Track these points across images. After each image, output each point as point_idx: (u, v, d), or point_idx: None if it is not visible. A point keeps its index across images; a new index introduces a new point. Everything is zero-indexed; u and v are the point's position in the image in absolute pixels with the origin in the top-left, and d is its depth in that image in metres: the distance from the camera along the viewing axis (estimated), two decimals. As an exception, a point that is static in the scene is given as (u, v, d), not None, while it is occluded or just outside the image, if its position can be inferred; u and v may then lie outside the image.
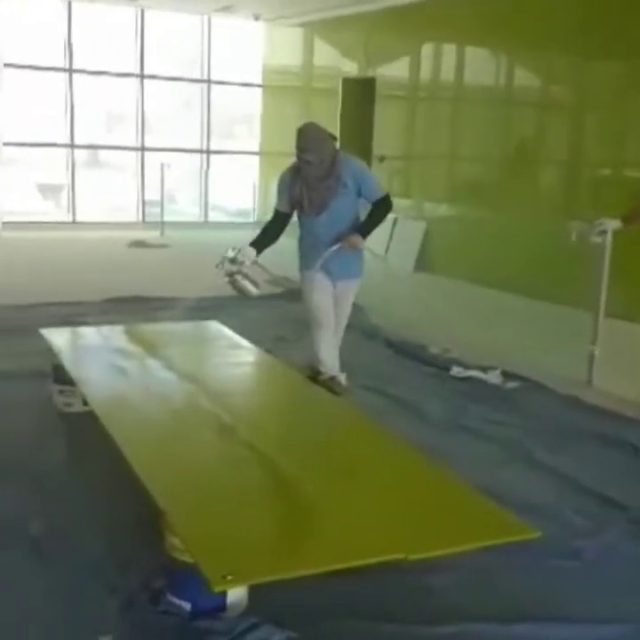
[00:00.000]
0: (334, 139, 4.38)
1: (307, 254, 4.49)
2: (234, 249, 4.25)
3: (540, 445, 3.92)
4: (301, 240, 4.55)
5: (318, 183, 4.27)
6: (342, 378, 4.58)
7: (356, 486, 2.67)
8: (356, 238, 4.34)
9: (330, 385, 4.38)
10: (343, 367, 4.62)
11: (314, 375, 4.45)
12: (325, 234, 4.38)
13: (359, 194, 4.36)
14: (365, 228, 4.41)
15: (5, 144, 11.15)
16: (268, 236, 4.44)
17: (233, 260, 4.20)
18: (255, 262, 4.31)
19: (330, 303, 4.46)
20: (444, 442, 3.90)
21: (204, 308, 6.31)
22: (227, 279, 4.23)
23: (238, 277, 4.21)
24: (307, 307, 4.50)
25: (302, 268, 4.53)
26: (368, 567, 2.23)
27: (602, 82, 7.42)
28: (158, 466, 2.71)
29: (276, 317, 6.29)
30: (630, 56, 7.01)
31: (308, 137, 4.22)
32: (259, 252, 4.33)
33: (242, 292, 4.27)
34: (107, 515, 3.06)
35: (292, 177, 4.37)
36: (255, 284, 4.29)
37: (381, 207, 4.42)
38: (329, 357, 4.50)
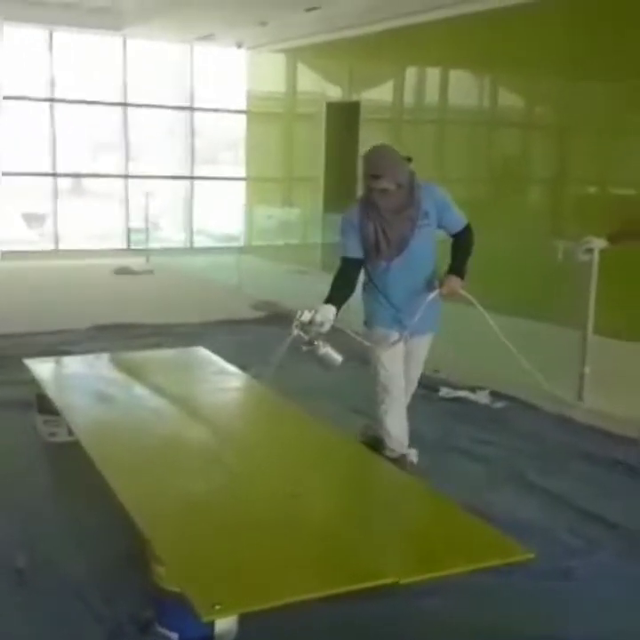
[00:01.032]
0: (409, 160, 3.58)
1: (377, 308, 3.71)
2: (309, 310, 3.43)
3: (530, 465, 3.90)
4: (368, 291, 3.76)
5: (396, 216, 3.52)
6: (413, 455, 3.80)
7: (346, 511, 2.64)
8: (455, 282, 3.61)
9: (399, 465, 3.56)
10: (326, 390, 4.40)
11: (371, 443, 3.74)
12: (402, 281, 3.63)
13: (439, 227, 3.65)
14: (462, 268, 3.67)
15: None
16: (343, 290, 3.60)
17: (309, 324, 3.41)
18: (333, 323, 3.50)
19: (401, 368, 3.73)
20: (434, 463, 3.88)
21: (189, 334, 6.29)
22: (305, 348, 3.44)
23: (320, 345, 3.42)
24: (374, 371, 3.73)
25: (370, 326, 3.75)
26: (360, 592, 2.19)
27: (586, 102, 7.49)
28: (144, 495, 2.67)
29: (261, 342, 6.24)
30: (615, 77, 7.09)
31: (382, 160, 3.49)
32: (338, 310, 3.53)
33: (325, 363, 3.47)
34: (93, 545, 3.01)
35: (361, 214, 3.58)
36: (337, 350, 3.49)
37: (469, 238, 3.72)
38: (398, 432, 3.74)
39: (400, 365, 3.72)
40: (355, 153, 10.18)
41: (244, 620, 2.34)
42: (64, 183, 11.96)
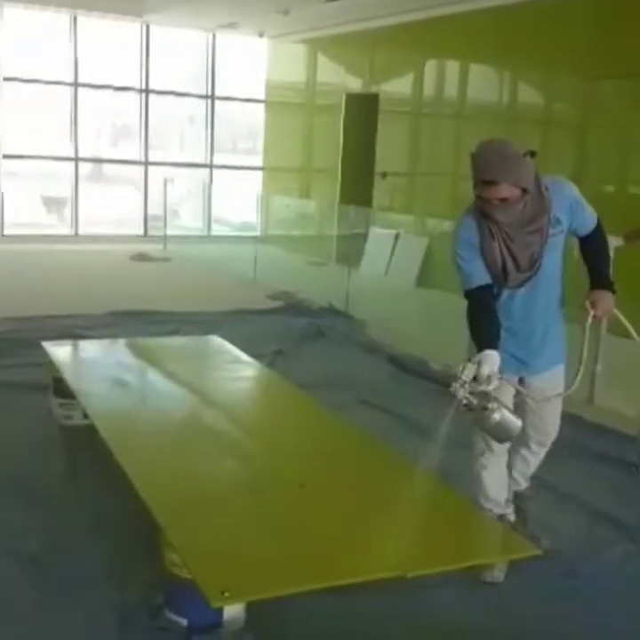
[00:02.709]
0: (533, 155, 2.72)
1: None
2: (472, 362, 2.59)
3: (542, 463, 3.90)
4: None
5: (523, 229, 2.73)
6: (510, 513, 3.12)
7: (357, 503, 2.67)
8: (608, 297, 2.85)
9: None
10: (337, 383, 4.32)
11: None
12: (528, 309, 2.87)
13: (569, 230, 2.87)
14: (609, 279, 2.90)
15: (9, 157, 11.21)
16: (493, 329, 2.74)
17: (474, 381, 2.57)
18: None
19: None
20: (445, 458, 3.89)
21: (205, 323, 6.33)
22: (470, 415, 2.64)
23: (493, 409, 2.57)
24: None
25: None
26: (368, 583, 2.22)
27: (605, 100, 7.46)
28: (158, 481, 2.71)
29: (275, 332, 6.29)
30: (633, 74, 7.04)
31: (497, 161, 2.66)
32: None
33: (501, 431, 2.64)
34: (105, 529, 3.05)
35: (481, 231, 2.79)
36: (511, 410, 2.68)
37: (602, 236, 2.97)
38: (494, 490, 3.04)
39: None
40: (372, 145, 10.17)
41: (251, 608, 2.38)
42: (84, 168, 12.02)
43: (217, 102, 12.61)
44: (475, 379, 2.54)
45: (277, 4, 9.55)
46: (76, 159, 11.72)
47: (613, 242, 4.72)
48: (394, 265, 9.37)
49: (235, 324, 6.34)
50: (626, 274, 5.11)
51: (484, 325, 2.74)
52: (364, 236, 9.74)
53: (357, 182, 10.37)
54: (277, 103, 12.55)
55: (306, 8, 9.61)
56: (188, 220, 13.37)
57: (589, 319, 2.80)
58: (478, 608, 2.64)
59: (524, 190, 2.67)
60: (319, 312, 7.16)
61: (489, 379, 2.54)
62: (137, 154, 12.19)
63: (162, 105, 12.31)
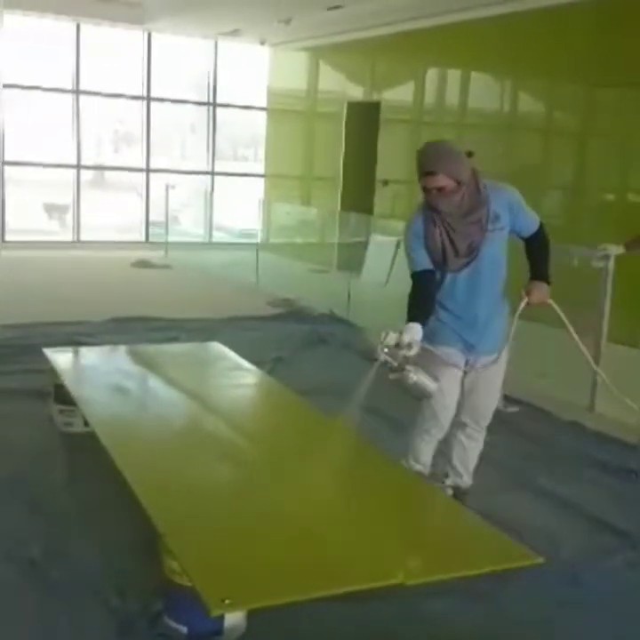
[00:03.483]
0: (470, 154, 3.21)
1: (442, 326, 3.26)
2: (394, 332, 2.99)
3: (542, 471, 3.91)
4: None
5: (461, 220, 3.12)
6: (448, 485, 3.47)
7: (356, 510, 2.66)
8: (544, 288, 3.19)
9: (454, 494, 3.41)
10: (335, 389, 4.42)
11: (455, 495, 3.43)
12: (471, 294, 3.22)
13: (511, 230, 3.24)
14: (547, 272, 3.24)
15: (11, 164, 11.24)
16: (424, 307, 3.16)
17: (396, 347, 2.97)
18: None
19: (457, 392, 3.33)
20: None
21: (206, 329, 6.33)
22: (392, 375, 3.01)
23: (411, 371, 2.98)
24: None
25: (431, 344, 3.22)
26: (366, 592, 2.22)
27: (606, 108, 7.48)
28: (158, 488, 2.71)
29: (276, 339, 6.29)
30: (636, 83, 7.05)
31: (433, 156, 3.13)
32: (423, 327, 3.09)
33: (417, 391, 3.05)
34: (106, 536, 3.05)
35: (425, 221, 3.19)
36: (429, 376, 3.05)
37: (545, 237, 3.31)
38: (425, 456, 3.44)
39: (457, 391, 3.33)
40: (374, 153, 10.19)
41: (251, 616, 2.38)
42: (86, 175, 12.05)
43: (218, 109, 12.65)
44: (397, 345, 2.95)
45: (279, 12, 9.59)
46: (78, 166, 11.75)
47: (614, 250, 4.75)
48: (395, 272, 9.38)
49: (235, 330, 6.35)
50: (626, 281, 5.14)
51: (417, 304, 3.15)
52: (365, 244, 9.75)
53: (359, 190, 10.39)
54: (279, 111, 12.58)
55: (307, 16, 9.65)
56: (189, 227, 13.39)
57: (522, 305, 3.18)
58: (479, 615, 2.63)
59: (459, 183, 3.06)
60: (320, 319, 7.17)
61: (409, 345, 2.95)
62: (139, 161, 12.23)
63: (164, 112, 12.35)
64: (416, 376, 2.98)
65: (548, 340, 6.71)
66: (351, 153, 10.72)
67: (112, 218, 12.62)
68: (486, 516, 2.78)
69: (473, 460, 3.50)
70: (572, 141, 8.10)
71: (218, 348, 4.80)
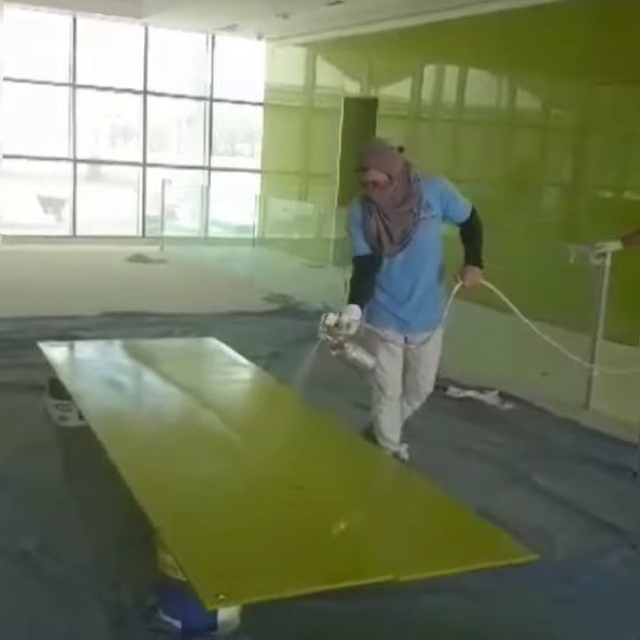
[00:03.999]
0: (401, 150, 3.49)
1: (380, 306, 3.56)
2: (334, 313, 3.28)
3: (537, 468, 3.91)
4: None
5: (396, 208, 3.40)
6: (404, 452, 3.81)
7: (351, 507, 2.66)
8: (476, 272, 3.48)
9: None
10: (334, 386, 4.45)
11: (366, 439, 3.76)
12: (404, 277, 3.50)
13: (444, 218, 3.50)
14: (480, 257, 3.53)
15: (6, 157, 11.20)
16: (364, 289, 3.45)
17: (336, 326, 3.24)
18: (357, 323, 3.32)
19: (399, 367, 3.65)
20: (441, 462, 3.89)
21: (201, 324, 6.32)
22: (334, 352, 3.28)
23: (349, 347, 3.25)
24: (372, 371, 3.60)
25: (372, 323, 3.53)
26: (361, 588, 2.21)
27: (603, 106, 7.47)
28: (153, 482, 2.70)
29: (272, 334, 6.28)
30: (633, 80, 7.05)
31: (368, 153, 3.41)
32: (362, 309, 3.37)
33: (355, 366, 3.35)
34: (100, 530, 3.04)
35: (363, 210, 3.49)
36: (368, 352, 3.35)
37: (478, 223, 3.59)
38: (389, 431, 3.74)
39: (398, 366, 3.63)
40: (372, 149, 10.17)
41: (246, 611, 2.38)
42: (82, 169, 12.01)
43: (215, 104, 12.62)
44: (337, 325, 3.21)
45: (277, 7, 9.56)
46: (74, 160, 11.71)
47: (611, 247, 4.74)
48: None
49: (231, 325, 6.34)
50: (624, 278, 5.14)
51: (357, 286, 3.44)
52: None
53: (355, 185, 10.34)
54: (276, 106, 12.56)
55: (305, 11, 9.62)
56: (185, 222, 13.37)
57: (456, 287, 3.45)
58: (474, 612, 2.63)
59: (391, 176, 3.33)
60: (316, 314, 7.14)
61: (348, 325, 3.22)
62: (135, 155, 12.19)
63: (160, 106, 12.31)
64: (354, 352, 3.26)
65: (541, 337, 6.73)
66: (348, 148, 10.68)
67: (108, 212, 12.59)
68: (482, 512, 2.78)
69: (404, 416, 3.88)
70: (570, 138, 8.09)
71: (213, 343, 4.79)
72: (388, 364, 3.59)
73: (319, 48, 11.37)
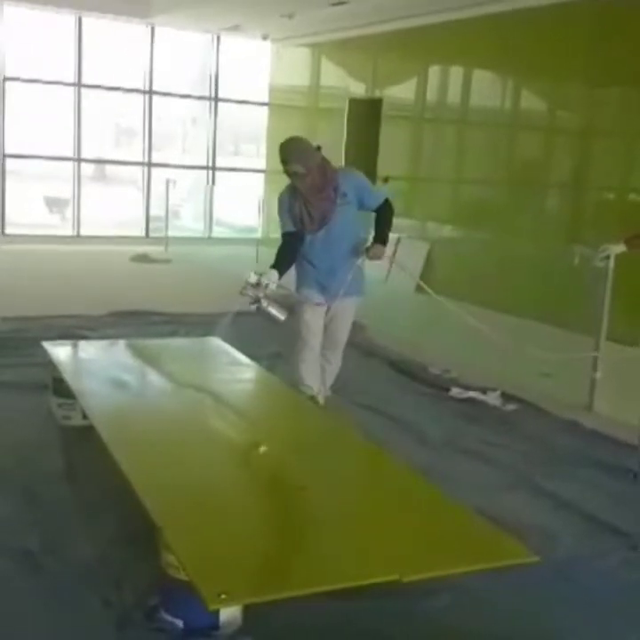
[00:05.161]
0: (319, 148, 4.25)
1: (305, 273, 4.40)
2: (256, 273, 4.04)
3: (539, 469, 3.91)
4: (299, 259, 4.42)
5: (316, 195, 4.17)
6: (320, 398, 4.48)
7: (353, 507, 2.67)
8: (379, 248, 4.25)
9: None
10: (337, 386, 4.60)
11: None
12: (326, 251, 4.30)
13: (360, 206, 4.28)
14: (384, 235, 4.31)
15: (12, 156, 11.23)
16: (285, 258, 4.24)
17: (256, 285, 4.00)
18: (279, 286, 4.14)
19: (320, 324, 4.39)
20: (443, 463, 3.90)
21: (204, 324, 6.32)
22: (252, 306, 4.04)
23: (264, 303, 4.01)
24: (297, 325, 4.38)
25: (299, 286, 4.44)
26: (365, 588, 2.22)
27: (607, 108, 7.47)
28: (156, 482, 2.71)
29: (275, 334, 6.27)
30: (636, 82, 7.05)
31: (289, 148, 4.17)
32: (281, 274, 4.16)
33: (269, 318, 4.08)
34: (103, 529, 3.05)
35: (289, 195, 4.29)
36: (281, 308, 4.08)
37: (387, 210, 4.35)
38: (309, 377, 4.41)
39: (320, 323, 4.39)
40: (375, 150, 10.18)
41: (247, 611, 2.38)
42: (86, 169, 12.04)
43: (220, 104, 12.63)
44: (258, 284, 3.99)
45: (282, 7, 9.57)
46: (79, 159, 11.73)
47: (615, 249, 4.74)
48: (394, 269, 9.37)
49: (234, 325, 6.33)
50: (626, 281, 5.13)
51: (280, 256, 4.22)
52: (365, 240, 9.73)
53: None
54: (281, 106, 12.56)
55: (310, 12, 9.63)
56: (189, 222, 13.38)
57: (361, 259, 4.30)
58: (473, 613, 2.63)
59: (309, 169, 4.08)
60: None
61: (266, 286, 4.00)
62: (139, 155, 12.21)
63: (165, 106, 12.33)
64: (269, 307, 4.02)
65: (545, 339, 6.73)
66: (352, 149, 10.70)
67: (113, 212, 12.61)
68: (484, 513, 2.78)
69: (330, 377, 4.60)
70: (573, 139, 8.09)
71: (216, 342, 4.80)
72: (311, 322, 4.35)
73: (324, 49, 11.37)
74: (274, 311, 4.04)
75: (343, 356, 4.64)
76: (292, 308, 4.28)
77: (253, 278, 4.00)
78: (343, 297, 4.30)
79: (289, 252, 4.28)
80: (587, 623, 2.64)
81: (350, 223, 4.29)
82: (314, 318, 4.36)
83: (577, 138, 8.01)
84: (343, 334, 4.51)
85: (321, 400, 4.47)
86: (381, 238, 4.31)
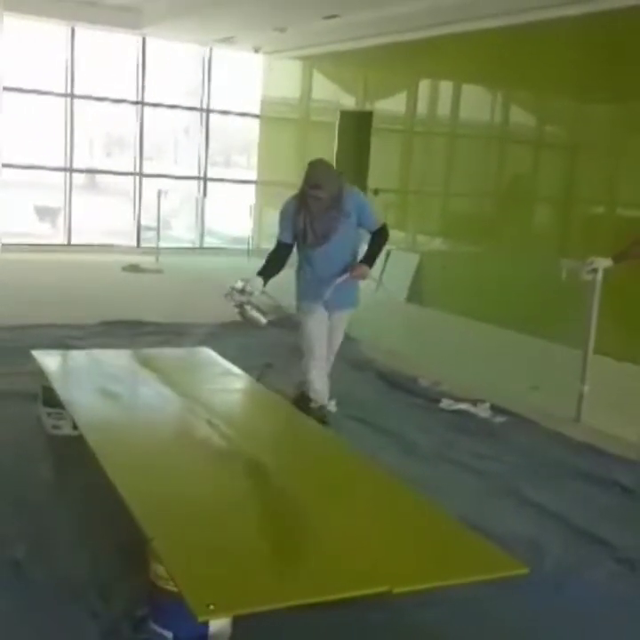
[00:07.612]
0: (341, 174, 4.48)
1: (305, 285, 4.52)
2: (242, 280, 4.26)
3: (528, 481, 3.93)
4: (300, 271, 4.58)
5: (323, 214, 4.30)
6: (332, 406, 4.68)
7: (343, 518, 2.66)
8: (364, 268, 4.42)
9: (319, 414, 4.39)
10: (332, 394, 4.65)
11: (299, 400, 4.49)
12: (325, 265, 4.43)
13: (358, 224, 4.42)
14: (371, 258, 4.47)
15: (2, 165, 11.21)
16: (273, 267, 4.43)
17: (241, 291, 4.23)
18: (263, 292, 4.34)
19: (324, 333, 4.52)
20: (432, 474, 3.91)
21: (195, 334, 6.32)
22: (236, 310, 4.29)
23: (247, 308, 4.26)
24: (302, 336, 4.53)
25: (300, 299, 4.57)
26: (355, 599, 2.22)
27: (595, 122, 7.54)
28: (145, 492, 2.70)
29: (266, 345, 6.29)
30: (624, 98, 7.12)
31: (321, 174, 4.26)
32: (265, 281, 4.35)
33: (251, 322, 4.31)
34: (91, 540, 3.04)
35: (296, 207, 4.37)
36: (263, 313, 4.33)
37: (382, 235, 4.49)
38: (319, 386, 4.53)
39: (323, 332, 4.51)
40: (366, 162, 10.23)
41: (238, 622, 2.38)
42: (78, 178, 12.03)
43: (211, 116, 12.66)
44: (243, 290, 4.22)
45: (274, 20, 9.62)
46: (70, 169, 11.74)
47: (602, 263, 4.78)
48: (385, 281, 9.41)
49: (225, 336, 6.34)
50: (617, 296, 5.17)
51: (268, 263, 4.45)
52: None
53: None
54: (272, 118, 12.61)
55: (302, 25, 9.69)
56: (180, 232, 13.39)
57: (345, 276, 4.39)
58: (465, 624, 2.64)
59: (332, 195, 4.25)
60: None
61: (251, 292, 4.23)
62: (131, 165, 12.22)
63: (157, 117, 12.35)
64: (251, 311, 4.26)
65: (537, 353, 6.76)
66: (343, 162, 10.73)
67: (104, 222, 12.60)
68: (473, 525, 2.79)
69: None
70: (561, 154, 8.16)
71: (207, 353, 4.80)
72: (316, 332, 4.48)
73: (315, 62, 11.44)
74: (256, 315, 4.28)
75: (333, 368, 4.69)
76: (274, 312, 4.67)
77: (239, 284, 4.24)
78: (340, 308, 4.52)
79: (278, 260, 4.45)
80: (574, 635, 2.65)
81: (350, 238, 4.44)
82: (319, 327, 4.49)
83: (565, 152, 8.09)
84: (339, 342, 4.71)
85: (333, 408, 4.67)
86: (368, 259, 4.46)
